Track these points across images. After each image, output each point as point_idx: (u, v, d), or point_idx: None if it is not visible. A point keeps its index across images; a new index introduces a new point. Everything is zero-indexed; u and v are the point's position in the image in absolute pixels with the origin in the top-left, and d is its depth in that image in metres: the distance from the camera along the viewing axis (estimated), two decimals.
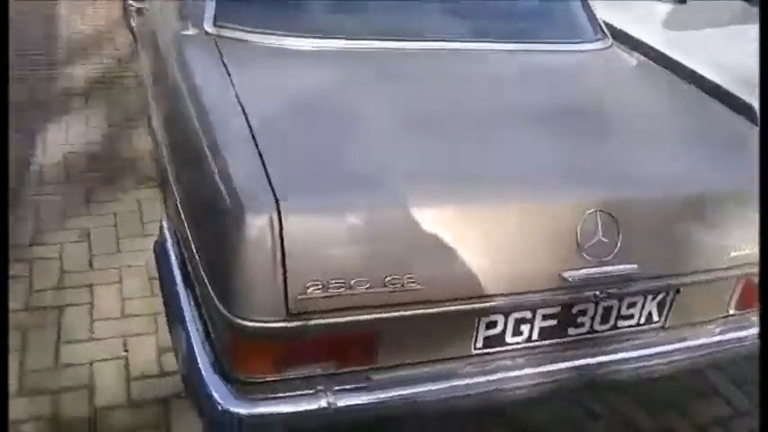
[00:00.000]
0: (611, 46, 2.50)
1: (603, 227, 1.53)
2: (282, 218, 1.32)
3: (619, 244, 1.54)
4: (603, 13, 2.62)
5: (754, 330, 1.84)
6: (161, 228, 1.92)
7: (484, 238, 1.46)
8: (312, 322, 1.36)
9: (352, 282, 1.36)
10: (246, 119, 1.58)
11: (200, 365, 1.50)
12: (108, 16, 5.58)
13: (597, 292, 1.56)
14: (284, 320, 1.34)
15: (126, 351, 2.25)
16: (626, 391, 2.25)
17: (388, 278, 1.38)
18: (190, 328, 1.58)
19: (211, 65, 1.88)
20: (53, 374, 2.13)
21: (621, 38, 2.97)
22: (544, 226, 1.51)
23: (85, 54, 4.86)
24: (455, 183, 1.51)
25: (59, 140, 3.64)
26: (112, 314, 2.41)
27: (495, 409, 1.87)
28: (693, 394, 2.34)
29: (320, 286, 1.34)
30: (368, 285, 1.37)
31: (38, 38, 5.02)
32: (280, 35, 2.05)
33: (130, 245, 2.80)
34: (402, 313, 1.42)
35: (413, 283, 1.40)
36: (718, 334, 1.83)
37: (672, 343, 1.77)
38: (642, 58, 2.58)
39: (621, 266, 1.56)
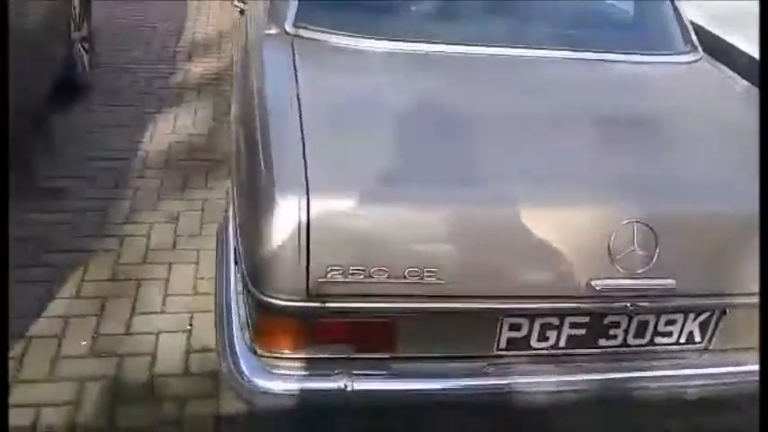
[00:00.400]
0: (700, 59, 2.41)
1: (640, 238, 1.50)
2: (311, 205, 1.39)
3: (655, 257, 1.51)
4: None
5: None
6: (225, 213, 2.04)
7: (510, 239, 1.47)
8: (330, 305, 1.43)
9: (372, 270, 1.41)
10: (300, 114, 1.66)
11: (234, 335, 1.60)
12: (232, 18, 5.92)
13: (628, 305, 1.53)
14: (304, 300, 1.41)
15: (191, 325, 2.40)
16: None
17: (408, 270, 1.42)
18: (232, 306, 1.69)
19: (282, 63, 1.98)
20: (122, 341, 2.31)
21: (712, 44, 2.85)
22: (577, 233, 1.50)
23: (204, 52, 5.17)
24: (489, 183, 1.53)
25: (167, 130, 3.90)
26: (185, 291, 2.58)
27: (515, 413, 1.85)
28: None
29: (341, 271, 1.40)
30: (387, 275, 1.42)
31: (164, 34, 5.40)
32: (354, 36, 2.12)
33: (212, 230, 2.96)
34: (421, 305, 1.46)
35: (432, 276, 1.43)
36: None
37: (715, 366, 1.70)
38: (730, 73, 2.47)
39: (656, 281, 1.52)
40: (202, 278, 2.65)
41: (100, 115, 3.96)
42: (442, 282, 1.44)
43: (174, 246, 2.86)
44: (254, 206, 1.50)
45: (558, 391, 1.62)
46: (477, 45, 2.17)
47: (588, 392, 1.65)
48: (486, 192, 1.51)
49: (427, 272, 1.43)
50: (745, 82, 2.42)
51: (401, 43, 2.13)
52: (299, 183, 1.42)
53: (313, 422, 1.72)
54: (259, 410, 1.62)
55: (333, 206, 1.41)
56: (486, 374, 1.60)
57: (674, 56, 2.37)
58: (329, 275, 1.40)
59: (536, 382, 1.62)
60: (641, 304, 1.53)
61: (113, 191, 3.22)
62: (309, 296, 1.41)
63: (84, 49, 4.16)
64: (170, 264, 2.73)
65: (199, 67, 4.86)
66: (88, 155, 3.50)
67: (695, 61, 2.38)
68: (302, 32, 2.14)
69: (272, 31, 2.20)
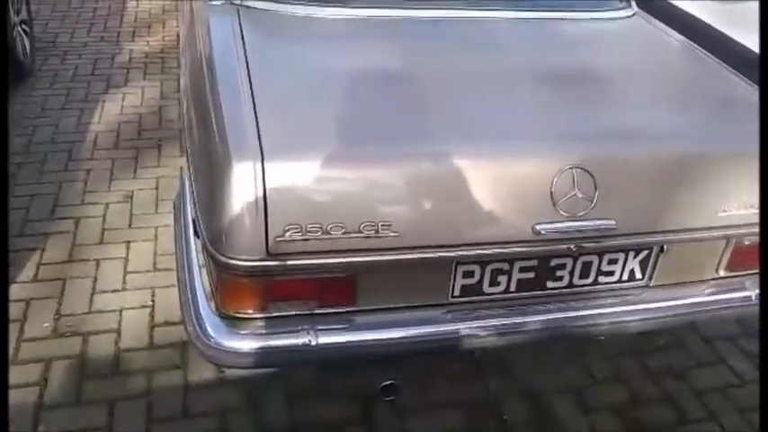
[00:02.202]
0: (634, 14, 2.50)
1: (580, 183, 1.58)
2: (266, 166, 1.43)
3: (595, 200, 1.59)
4: None
5: (745, 293, 1.86)
6: (180, 182, 2.07)
7: (459, 190, 1.54)
8: (290, 262, 1.48)
9: (329, 227, 1.46)
10: (250, 81, 1.69)
11: (198, 301, 1.64)
12: None
13: (572, 246, 1.62)
14: (264, 260, 1.46)
15: (153, 301, 2.43)
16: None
17: (363, 225, 1.48)
18: (193, 270, 1.73)
19: (228, 32, 2.00)
20: (85, 320, 2.33)
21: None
22: (521, 181, 1.58)
23: (149, 30, 5.11)
24: (437, 139, 1.60)
25: (115, 110, 3.87)
26: (145, 268, 2.60)
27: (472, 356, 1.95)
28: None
29: (298, 230, 1.45)
30: (343, 231, 1.47)
31: (107, 14, 5.30)
32: (299, 3, 2.15)
33: (168, 206, 2.97)
34: (378, 258, 1.52)
35: (387, 230, 1.49)
36: (707, 295, 1.85)
37: (656, 301, 1.81)
38: (663, 26, 2.56)
39: (597, 222, 1.60)
40: (162, 254, 2.67)
41: (45, 99, 3.91)
42: (397, 234, 1.50)
43: (130, 224, 2.87)
44: (211, 173, 1.54)
45: (510, 333, 1.70)
46: (422, 8, 2.22)
47: (539, 333, 1.74)
48: (434, 147, 1.57)
49: (382, 225, 1.49)
50: (677, 35, 2.52)
51: (347, 9, 2.16)
52: (253, 146, 1.46)
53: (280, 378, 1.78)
54: (227, 371, 1.67)
55: (287, 167, 1.46)
56: (443, 321, 1.67)
57: (609, 12, 2.46)
58: (287, 234, 1.45)
59: (490, 326, 1.70)
60: (584, 245, 1.62)
61: (65, 174, 3.21)
62: (269, 255, 1.46)
63: (25, 31, 4.07)
64: (128, 242, 2.75)
65: (144, 46, 4.81)
66: (36, 140, 3.46)
67: (629, 17, 2.48)
68: (247, 2, 2.15)
69: (217, 2, 2.21)
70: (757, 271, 1.88)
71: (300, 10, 2.12)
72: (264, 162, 1.44)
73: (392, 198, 1.51)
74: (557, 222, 1.58)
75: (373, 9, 2.16)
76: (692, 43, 2.40)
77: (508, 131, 1.65)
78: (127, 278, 2.55)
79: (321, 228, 1.46)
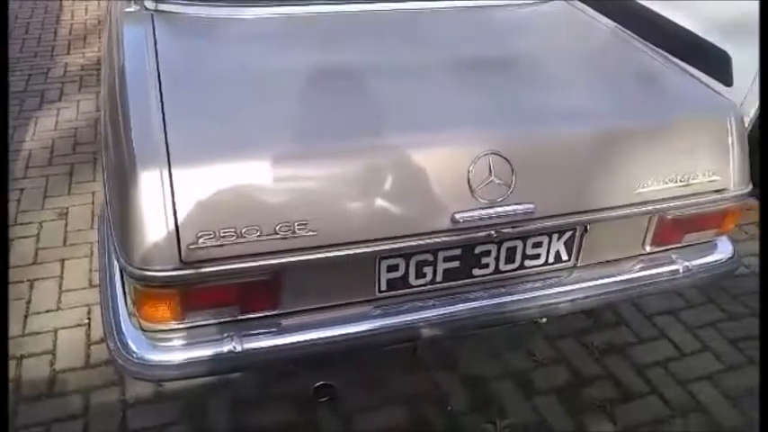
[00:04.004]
0: None
1: (496, 169, 1.58)
2: (173, 173, 1.41)
3: (513, 185, 1.60)
4: None
5: (672, 267, 1.88)
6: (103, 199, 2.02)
7: (375, 184, 1.53)
8: (206, 270, 1.45)
9: (243, 230, 1.44)
10: (160, 88, 1.65)
11: (119, 317, 1.61)
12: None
13: (492, 233, 1.61)
14: (178, 269, 1.43)
15: (89, 318, 2.38)
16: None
17: (279, 225, 1.46)
18: (115, 285, 1.69)
19: (141, 38, 1.95)
20: (20, 343, 2.27)
21: None
22: (438, 171, 1.57)
23: (84, 43, 5.00)
24: (350, 132, 1.58)
25: (49, 126, 3.79)
26: (80, 285, 2.54)
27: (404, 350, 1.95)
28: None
29: (211, 236, 1.43)
30: (258, 233, 1.45)
31: (40, 29, 5.18)
32: (214, 5, 2.12)
33: None
34: (297, 259, 1.50)
35: (304, 229, 1.47)
36: (635, 272, 1.87)
37: (585, 281, 1.82)
38: (590, 11, 2.57)
39: (516, 207, 1.61)
40: (97, 270, 2.60)
41: None
42: (315, 233, 1.48)
43: (65, 242, 2.81)
44: (120, 184, 1.50)
45: (442, 323, 1.70)
46: (343, 3, 2.20)
47: (471, 321, 1.73)
48: (347, 143, 1.55)
49: (298, 225, 1.47)
50: (600, 17, 2.53)
51: (262, 8, 2.13)
52: (160, 154, 1.43)
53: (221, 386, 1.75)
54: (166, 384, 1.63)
55: (196, 172, 1.43)
56: (372, 317, 1.66)
57: None
58: (200, 241, 1.42)
59: (421, 318, 1.69)
60: (504, 231, 1.62)
61: None
62: (183, 264, 1.43)
63: None
64: (63, 260, 2.68)
65: (79, 59, 4.71)
66: None
67: (552, 0, 2.48)
68: (162, 6, 2.11)
69: (132, 9, 2.16)
70: (683, 244, 1.91)
71: (215, 12, 2.09)
72: (172, 169, 1.41)
73: (306, 197, 1.49)
74: (475, 210, 1.58)
75: (290, 7, 2.14)
76: (616, 25, 2.41)
77: (423, 122, 1.64)
78: (62, 297, 2.49)
79: (235, 232, 1.44)
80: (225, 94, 1.70)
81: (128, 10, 2.15)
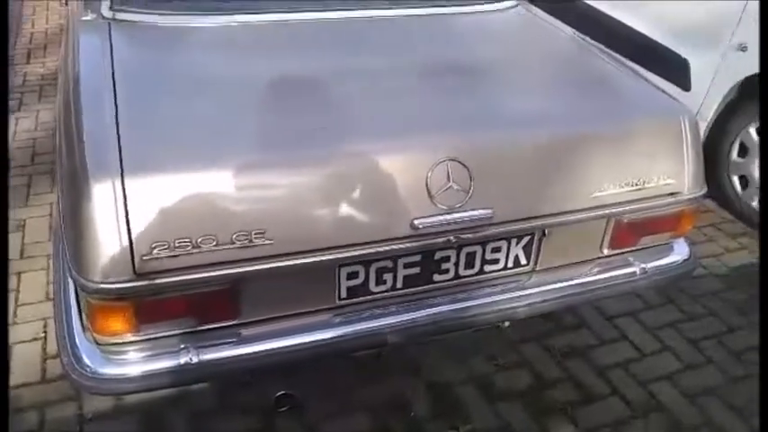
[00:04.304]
0: (517, 5, 2.53)
1: (454, 175, 1.59)
2: (126, 183, 1.38)
3: (471, 190, 1.60)
4: None
5: (629, 269, 1.90)
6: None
7: (333, 191, 1.52)
8: (161, 281, 1.43)
9: (198, 240, 1.42)
10: (115, 97, 1.63)
11: (73, 331, 1.57)
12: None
13: (451, 238, 1.62)
14: (132, 281, 1.40)
15: (45, 332, 2.32)
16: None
17: (236, 234, 1.44)
18: (69, 298, 1.65)
19: (97, 47, 1.92)
20: None
21: None
22: (396, 177, 1.57)
23: (45, 52, 4.92)
24: (308, 139, 1.57)
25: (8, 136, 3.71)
26: (37, 298, 2.49)
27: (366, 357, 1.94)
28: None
29: (166, 246, 1.41)
30: (215, 243, 1.43)
31: None
32: (171, 14, 2.09)
33: None
34: (255, 268, 1.48)
35: (261, 238, 1.46)
36: (593, 275, 1.89)
37: (544, 285, 1.83)
38: (545, 16, 2.61)
39: (474, 212, 1.61)
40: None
41: None
42: (272, 241, 1.47)
43: (21, 254, 2.75)
44: (72, 193, 1.47)
45: (403, 330, 1.70)
46: (299, 11, 2.19)
47: (432, 327, 1.74)
48: (305, 150, 1.55)
49: (255, 234, 1.46)
50: (558, 23, 2.57)
51: (219, 17, 2.11)
52: (113, 164, 1.40)
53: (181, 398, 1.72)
54: (113, 399, 1.61)
55: (149, 183, 1.41)
56: (333, 325, 1.66)
57: (491, 4, 2.48)
58: (155, 252, 1.40)
59: (382, 325, 1.69)
60: (464, 236, 1.63)
61: None
62: (138, 276, 1.40)
63: None
64: (19, 273, 2.62)
65: (39, 68, 4.64)
66: None
67: (512, 7, 2.51)
68: (119, 15, 2.08)
69: (89, 17, 2.13)
70: (640, 247, 1.93)
71: (172, 20, 2.07)
72: (125, 179, 1.39)
73: (264, 205, 1.48)
74: (434, 216, 1.58)
75: (247, 15, 2.12)
76: (574, 31, 2.45)
77: (381, 129, 1.65)
78: (18, 311, 2.43)
79: (191, 242, 1.42)
80: (180, 103, 1.68)
81: (84, 18, 2.13)
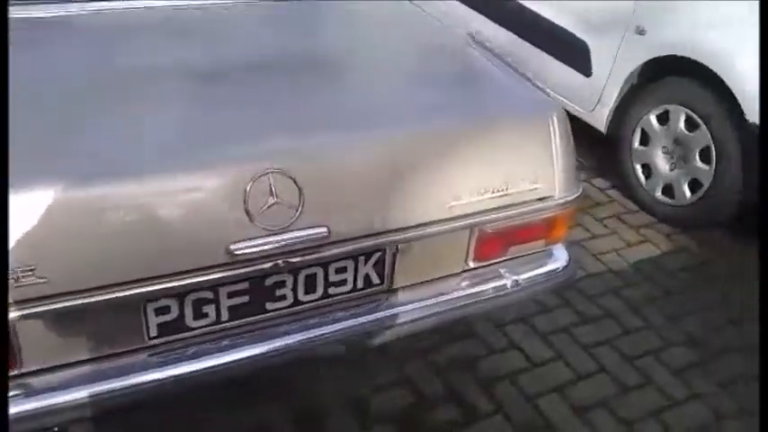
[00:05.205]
0: None
1: (279, 190, 1.36)
2: None
3: (301, 207, 1.38)
4: None
5: (498, 282, 1.72)
6: None
7: (129, 216, 1.28)
8: None
9: None
10: None
11: None
12: None
13: (279, 263, 1.40)
14: None
15: None
16: None
17: None
18: None
19: None
20: None
21: None
22: (205, 196, 1.33)
23: None
24: (97, 155, 1.32)
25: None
26: None
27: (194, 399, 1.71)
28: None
29: None
30: None
31: None
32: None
33: None
34: (25, 312, 1.24)
35: (31, 276, 1.21)
36: (459, 290, 1.70)
37: (403, 305, 1.63)
38: (412, 7, 2.32)
39: (305, 232, 1.39)
40: None
41: None
42: (45, 280, 1.22)
43: None
44: None
45: (238, 367, 1.48)
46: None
47: (275, 360, 1.52)
48: (92, 165, 1.29)
49: (23, 272, 1.21)
50: (422, 11, 2.29)
51: (50, 6, 1.82)
52: None
53: None
54: None
55: None
56: (144, 368, 1.42)
57: None
58: None
59: (212, 365, 1.46)
60: (293, 260, 1.41)
61: None
62: None
63: None
64: None
65: None
66: None
67: None
68: None
69: None
70: (509, 257, 1.75)
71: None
72: None
73: (32, 238, 1.21)
74: (255, 239, 1.36)
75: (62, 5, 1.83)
76: (438, 19, 2.20)
77: (186, 138, 1.39)
78: None
79: None
80: None
81: None
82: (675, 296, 2.61)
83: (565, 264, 1.84)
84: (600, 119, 3.25)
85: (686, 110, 2.86)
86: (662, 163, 3.02)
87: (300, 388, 2.05)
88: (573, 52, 3.30)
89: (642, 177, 3.12)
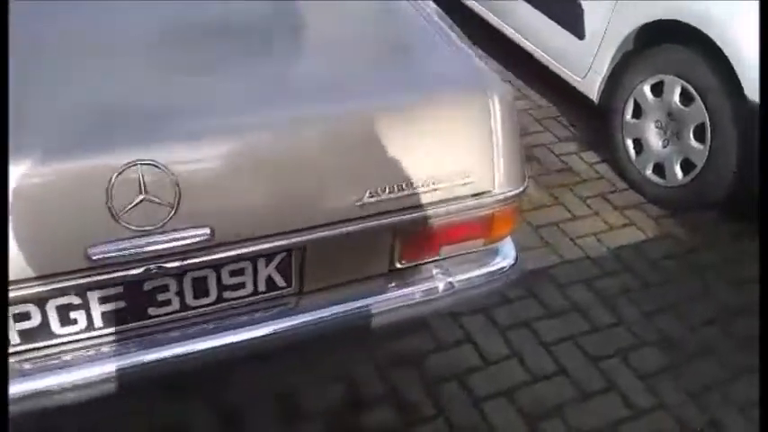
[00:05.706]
0: None
1: (150, 184, 1.17)
2: None
3: (177, 204, 1.19)
4: None
5: (430, 285, 1.53)
6: None
7: None
8: None
9: None
10: None
11: None
12: None
13: (151, 267, 1.22)
14: None
15: None
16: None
17: None
18: None
19: None
20: None
21: None
22: (60, 191, 1.15)
23: None
24: None
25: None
26: None
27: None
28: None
29: None
30: None
31: None
32: None
33: None
34: None
35: None
36: (387, 291, 1.51)
37: (318, 309, 1.45)
38: None
39: (183, 233, 1.21)
40: None
41: None
42: None
43: None
44: None
45: (111, 379, 1.31)
46: None
47: (166, 367, 1.36)
48: None
49: None
50: None
51: None
52: None
53: None
54: None
55: None
56: (14, 376, 1.26)
57: None
58: None
59: (89, 376, 1.30)
60: (168, 266, 1.23)
61: None
62: None
63: None
64: None
65: None
66: None
67: None
68: None
69: None
70: (444, 257, 1.55)
71: None
72: None
73: None
74: (119, 242, 1.18)
75: None
76: None
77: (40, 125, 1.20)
78: None
79: None
80: None
81: None
82: (654, 288, 2.40)
83: (512, 262, 1.64)
84: (592, 87, 2.99)
85: (682, 81, 2.60)
86: (654, 139, 2.77)
87: (220, 384, 1.89)
88: (566, 12, 3.02)
89: (633, 153, 2.88)
